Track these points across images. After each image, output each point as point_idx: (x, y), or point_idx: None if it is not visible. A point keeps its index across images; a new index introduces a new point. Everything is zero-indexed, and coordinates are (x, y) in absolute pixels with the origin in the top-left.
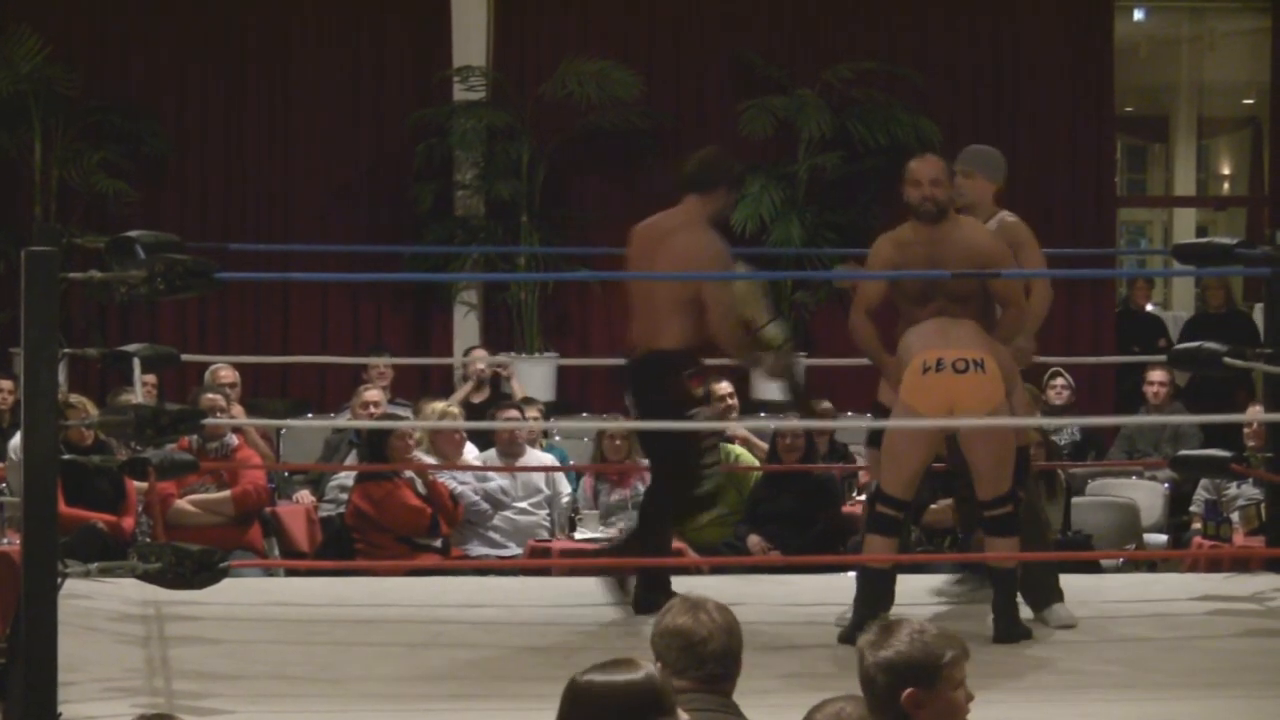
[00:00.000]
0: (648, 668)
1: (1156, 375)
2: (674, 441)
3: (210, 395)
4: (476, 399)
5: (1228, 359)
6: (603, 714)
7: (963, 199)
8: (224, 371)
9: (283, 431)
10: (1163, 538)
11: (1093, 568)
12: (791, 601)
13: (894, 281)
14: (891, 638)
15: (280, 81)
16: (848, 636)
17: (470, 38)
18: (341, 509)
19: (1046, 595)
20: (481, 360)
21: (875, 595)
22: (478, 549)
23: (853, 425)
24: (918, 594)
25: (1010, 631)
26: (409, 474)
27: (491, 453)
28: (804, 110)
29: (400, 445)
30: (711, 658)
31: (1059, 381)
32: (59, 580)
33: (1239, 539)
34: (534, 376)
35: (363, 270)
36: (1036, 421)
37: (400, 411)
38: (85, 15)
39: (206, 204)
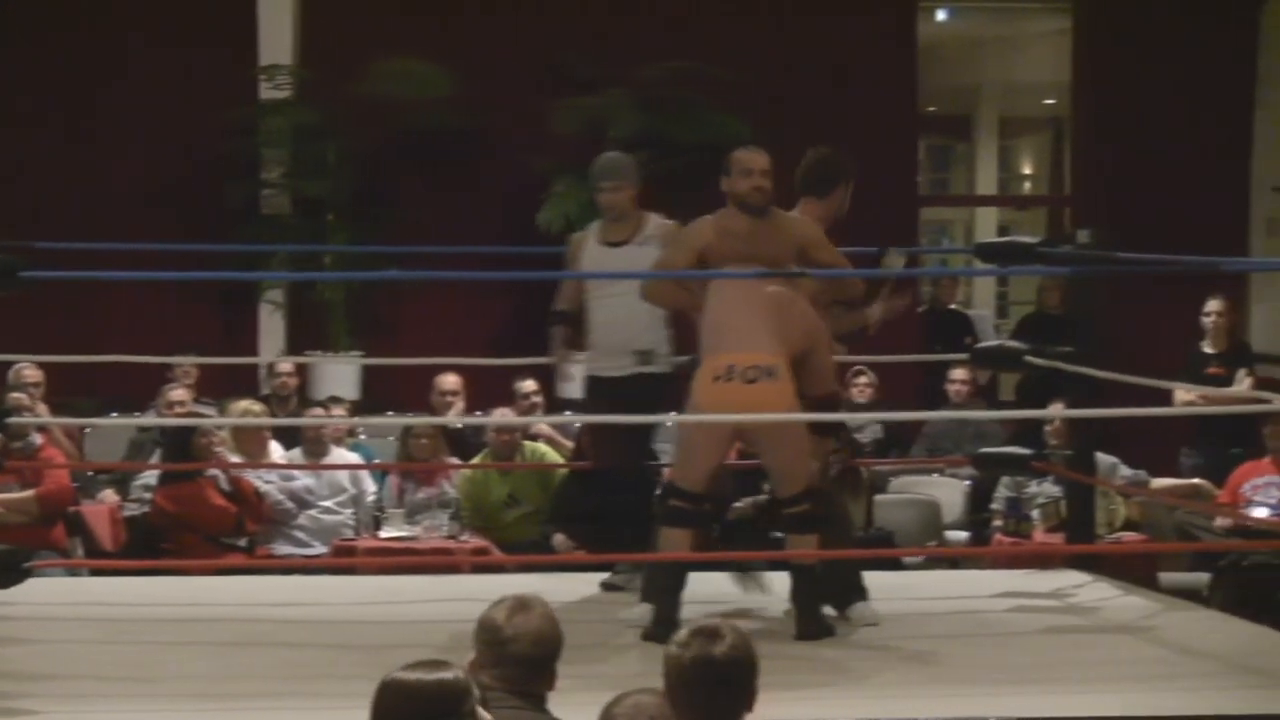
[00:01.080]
0: (455, 669)
1: (958, 374)
2: None
3: (15, 394)
4: (281, 412)
5: (1029, 358)
6: (408, 711)
7: (615, 210)
8: (28, 371)
9: (87, 430)
10: (964, 535)
11: (895, 565)
12: (595, 598)
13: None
14: (715, 641)
15: (88, 80)
16: (652, 634)
17: (277, 36)
18: (146, 508)
19: (849, 593)
20: (287, 363)
21: (669, 589)
22: (283, 548)
23: (659, 420)
24: (720, 592)
25: (814, 629)
26: (214, 473)
27: (296, 451)
28: (614, 109)
29: (205, 444)
30: (512, 660)
31: (862, 379)
32: None
33: (1039, 536)
34: (340, 375)
35: (171, 269)
36: (839, 417)
37: (206, 411)
38: None
39: (14, 202)
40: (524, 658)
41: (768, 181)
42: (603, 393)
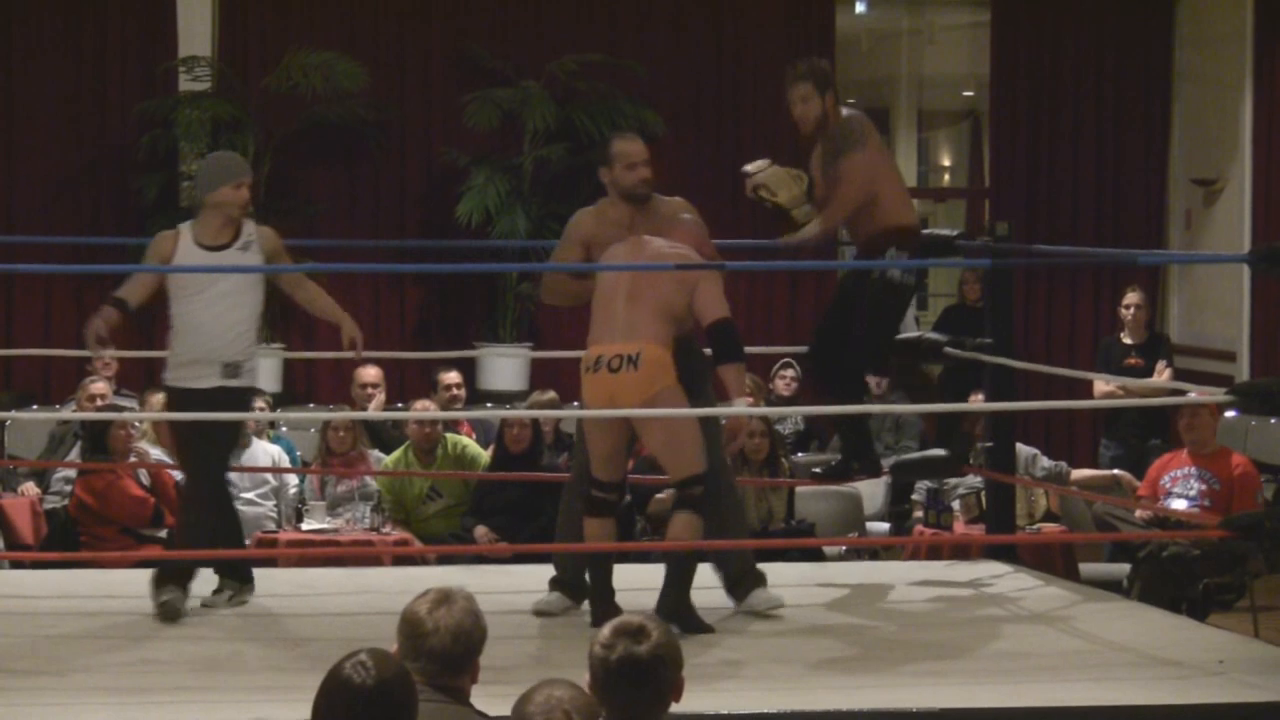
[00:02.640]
0: (402, 665)
1: None
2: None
3: None
4: None
5: (949, 349)
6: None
7: (238, 211)
8: None
9: (7, 424)
10: (884, 526)
11: (816, 556)
12: (516, 590)
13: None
14: (640, 638)
15: (2, 72)
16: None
17: (195, 28)
18: (66, 501)
19: (747, 585)
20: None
21: (600, 579)
22: None
23: (576, 414)
24: (643, 581)
25: (678, 620)
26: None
27: None
28: (529, 102)
29: (121, 436)
30: (429, 654)
31: (788, 373)
32: None
33: (959, 527)
34: (260, 368)
35: (87, 263)
36: (761, 411)
37: (126, 403)
38: None
39: None
40: (445, 651)
41: (650, 171)
42: (188, 404)
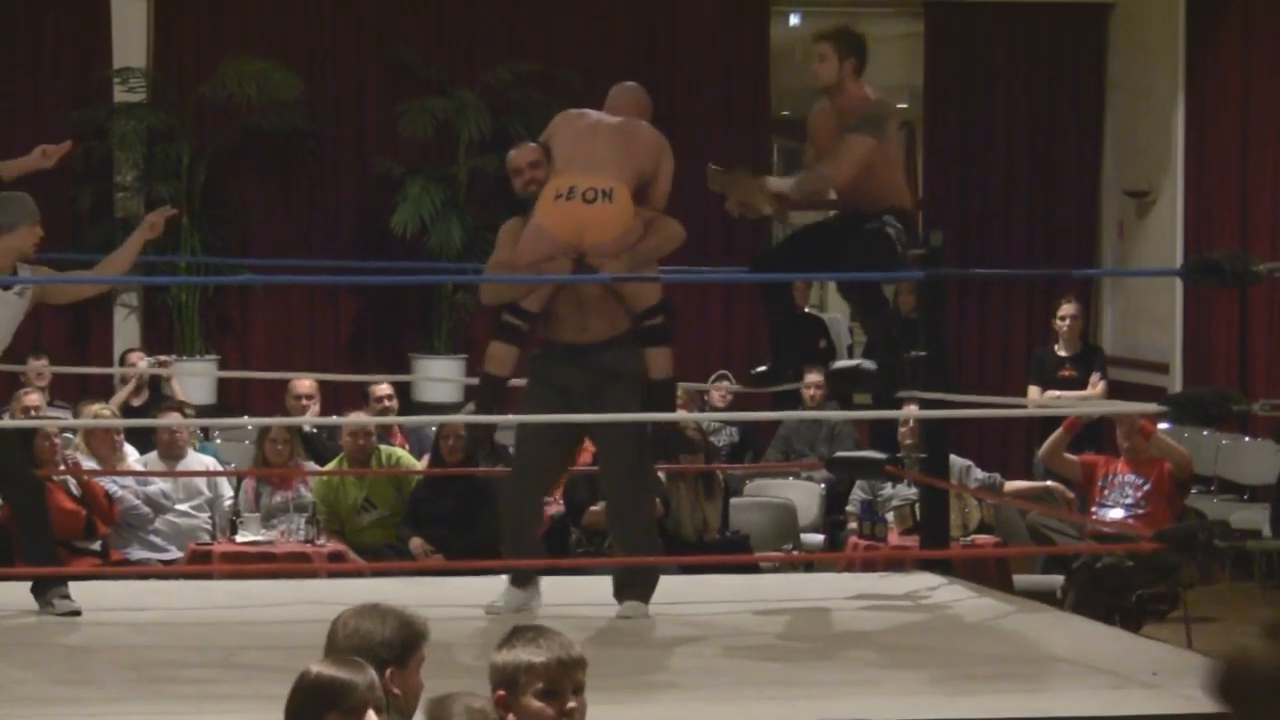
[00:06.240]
0: (369, 669)
1: (812, 378)
2: None
3: None
4: (136, 401)
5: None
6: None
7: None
8: None
9: None
10: (819, 538)
11: (751, 568)
12: (450, 602)
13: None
14: (512, 638)
15: None
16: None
17: (130, 38)
18: None
19: (644, 589)
20: (141, 361)
21: (491, 398)
22: (138, 552)
23: (513, 420)
24: (575, 595)
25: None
26: (63, 476)
27: (152, 455)
28: (464, 112)
29: (49, 447)
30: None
31: (724, 384)
32: None
33: (894, 538)
34: (194, 379)
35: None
36: (697, 416)
37: (60, 414)
38: None
39: None
40: (377, 662)
41: (540, 172)
42: None
